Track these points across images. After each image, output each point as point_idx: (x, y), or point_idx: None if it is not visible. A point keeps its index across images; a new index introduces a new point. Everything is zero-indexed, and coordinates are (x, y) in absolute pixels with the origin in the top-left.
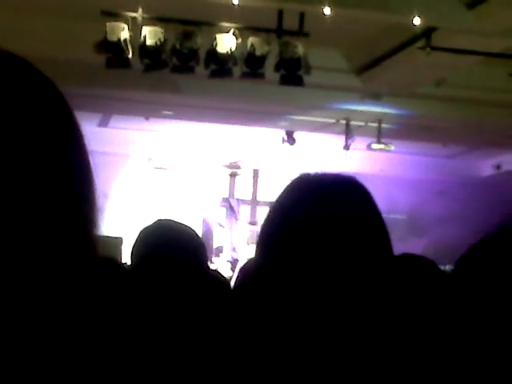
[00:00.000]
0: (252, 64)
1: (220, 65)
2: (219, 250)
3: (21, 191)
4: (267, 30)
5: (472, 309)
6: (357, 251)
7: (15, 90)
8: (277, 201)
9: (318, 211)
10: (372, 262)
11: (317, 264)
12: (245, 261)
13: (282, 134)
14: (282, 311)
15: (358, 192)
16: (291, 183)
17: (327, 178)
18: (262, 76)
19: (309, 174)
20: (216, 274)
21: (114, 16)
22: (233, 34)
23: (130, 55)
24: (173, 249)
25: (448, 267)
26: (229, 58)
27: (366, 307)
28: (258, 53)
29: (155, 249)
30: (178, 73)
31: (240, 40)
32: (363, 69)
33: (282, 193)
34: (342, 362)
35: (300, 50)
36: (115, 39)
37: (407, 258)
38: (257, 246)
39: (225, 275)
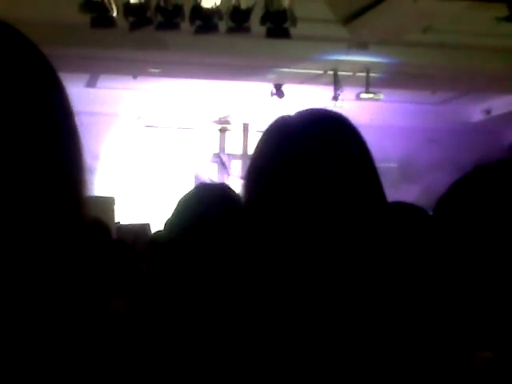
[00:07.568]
0: (237, 18)
1: (205, 20)
2: None
3: (4, 154)
4: None
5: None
6: (339, 195)
7: None
8: (254, 152)
9: (296, 162)
10: (361, 204)
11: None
12: None
13: (271, 87)
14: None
15: (339, 130)
16: (267, 131)
17: (305, 120)
18: (247, 30)
19: (283, 118)
20: None
21: None
22: None
23: (115, 14)
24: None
25: None
26: (214, 13)
27: (355, 251)
28: (243, 6)
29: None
30: (164, 30)
31: None
32: (349, 18)
33: (259, 143)
34: (331, 302)
35: (285, 1)
36: None
37: (398, 205)
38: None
39: None
